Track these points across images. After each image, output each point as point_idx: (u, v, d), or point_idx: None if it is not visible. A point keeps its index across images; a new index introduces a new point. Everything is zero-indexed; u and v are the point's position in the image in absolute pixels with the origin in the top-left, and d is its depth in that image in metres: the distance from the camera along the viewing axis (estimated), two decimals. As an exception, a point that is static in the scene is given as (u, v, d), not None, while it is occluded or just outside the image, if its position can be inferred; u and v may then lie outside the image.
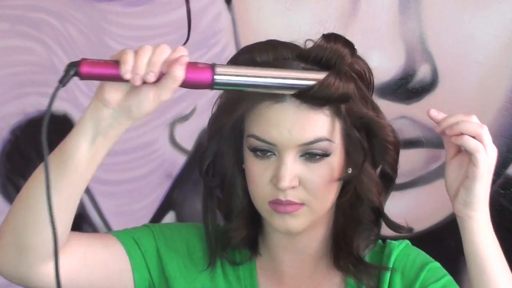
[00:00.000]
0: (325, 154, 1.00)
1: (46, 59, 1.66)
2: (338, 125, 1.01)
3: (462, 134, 0.97)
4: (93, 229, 1.68)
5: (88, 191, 1.68)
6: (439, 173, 1.52)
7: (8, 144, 1.68)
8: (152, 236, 1.11)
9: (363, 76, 1.05)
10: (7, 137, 1.68)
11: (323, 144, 0.99)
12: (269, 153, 1.00)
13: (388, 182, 1.08)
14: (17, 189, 1.69)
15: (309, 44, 1.05)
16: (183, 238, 1.13)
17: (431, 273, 1.07)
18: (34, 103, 1.67)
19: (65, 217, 0.95)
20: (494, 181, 1.49)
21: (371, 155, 1.05)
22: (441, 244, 1.51)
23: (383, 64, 1.50)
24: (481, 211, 1.00)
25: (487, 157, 0.98)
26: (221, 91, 1.06)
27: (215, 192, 1.11)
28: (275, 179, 0.99)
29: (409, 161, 1.52)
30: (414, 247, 1.13)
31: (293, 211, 1.01)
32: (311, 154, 1.00)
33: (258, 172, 1.01)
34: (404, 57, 1.50)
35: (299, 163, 1.00)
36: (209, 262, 1.10)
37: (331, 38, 1.02)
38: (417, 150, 1.51)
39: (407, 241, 1.13)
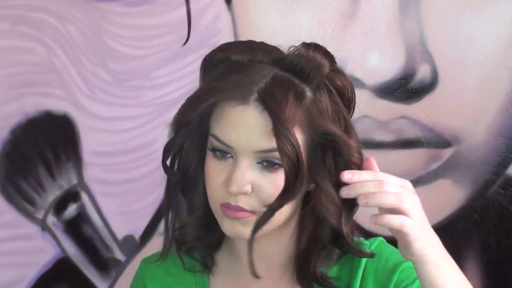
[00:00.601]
0: (279, 164, 0.96)
1: (46, 59, 1.66)
2: (301, 138, 0.97)
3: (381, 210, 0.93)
4: (93, 229, 1.69)
5: (88, 191, 1.68)
6: (439, 173, 1.52)
7: (8, 144, 1.68)
8: None
9: (343, 93, 1.01)
10: (7, 137, 1.68)
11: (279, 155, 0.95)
12: (228, 155, 0.98)
13: (351, 205, 1.02)
14: (17, 189, 1.69)
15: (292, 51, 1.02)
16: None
17: (405, 274, 1.03)
18: (34, 103, 1.67)
19: None
20: (494, 181, 1.51)
21: (335, 174, 0.99)
22: (441, 244, 1.51)
23: (383, 64, 1.50)
24: (429, 252, 0.95)
25: (414, 221, 0.93)
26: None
27: (178, 186, 1.08)
28: (227, 182, 0.97)
29: (409, 161, 1.52)
30: (387, 245, 1.09)
31: (241, 217, 0.98)
32: (268, 162, 0.97)
33: (214, 172, 0.99)
34: (404, 57, 1.50)
35: (254, 170, 0.97)
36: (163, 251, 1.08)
37: (311, 47, 0.99)
38: (417, 150, 1.51)
39: (380, 239, 1.09)
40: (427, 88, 1.50)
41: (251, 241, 0.99)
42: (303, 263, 1.04)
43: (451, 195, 1.52)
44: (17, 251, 1.71)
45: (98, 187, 1.68)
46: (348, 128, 1.01)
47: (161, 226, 1.64)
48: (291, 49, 1.01)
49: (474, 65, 1.48)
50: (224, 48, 1.03)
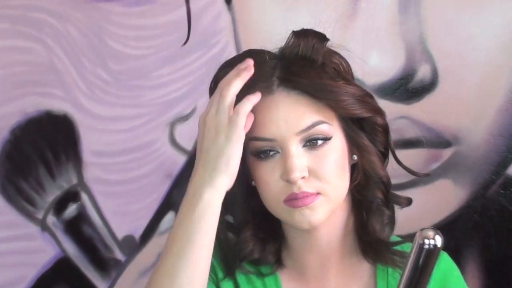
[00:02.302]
0: (326, 138, 0.99)
1: (46, 59, 1.65)
2: (331, 109, 1.01)
3: None
4: (93, 229, 1.69)
5: (88, 191, 1.68)
6: (439, 173, 1.52)
7: (8, 144, 1.68)
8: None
9: (342, 68, 1.06)
10: (7, 137, 1.68)
11: (322, 128, 0.99)
12: (272, 152, 1.00)
13: (386, 152, 1.09)
14: (17, 189, 1.69)
15: None
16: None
17: None
18: (34, 103, 1.67)
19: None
20: (494, 181, 1.51)
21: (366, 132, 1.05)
22: (441, 244, 1.51)
23: (383, 64, 1.50)
24: None
25: None
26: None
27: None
28: (284, 173, 0.98)
29: (409, 161, 1.51)
30: (454, 266, 1.13)
31: (310, 202, 0.99)
32: (313, 140, 0.99)
33: (266, 173, 1.00)
34: (404, 57, 1.50)
35: (303, 153, 0.99)
36: (226, 273, 1.10)
37: (301, 33, 1.04)
38: (417, 150, 1.51)
39: (445, 253, 1.13)
40: (427, 88, 1.50)
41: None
42: (363, 234, 1.07)
43: (451, 195, 1.52)
44: (17, 251, 1.70)
45: (98, 187, 1.67)
46: (361, 88, 1.06)
47: (161, 226, 1.64)
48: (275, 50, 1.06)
49: (474, 65, 1.48)
50: (225, 65, 1.06)
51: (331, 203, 1.01)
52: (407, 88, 1.51)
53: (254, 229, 1.08)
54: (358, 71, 1.50)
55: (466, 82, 1.48)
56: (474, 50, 1.47)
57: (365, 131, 1.05)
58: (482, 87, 1.48)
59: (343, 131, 1.03)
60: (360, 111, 1.02)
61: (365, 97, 1.04)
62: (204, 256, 0.96)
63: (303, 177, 0.99)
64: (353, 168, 1.06)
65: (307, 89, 0.98)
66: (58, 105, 1.66)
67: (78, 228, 1.69)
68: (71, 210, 1.69)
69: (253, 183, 1.06)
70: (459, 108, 1.49)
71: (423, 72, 1.50)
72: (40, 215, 1.69)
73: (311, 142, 0.99)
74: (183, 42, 1.60)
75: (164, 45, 1.61)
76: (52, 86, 1.66)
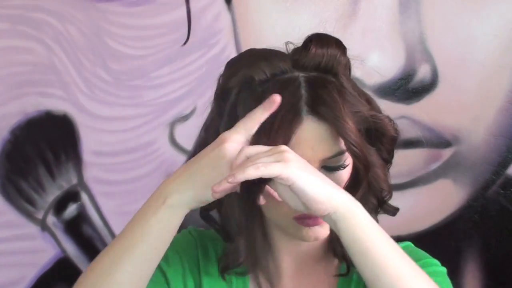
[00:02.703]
0: (344, 166, 0.99)
1: (46, 59, 1.66)
2: None
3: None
4: (93, 229, 1.69)
5: (88, 191, 1.68)
6: (439, 173, 1.52)
7: (8, 144, 1.68)
8: (160, 271, 1.08)
9: (348, 70, 1.04)
10: (7, 137, 1.68)
11: (343, 157, 0.98)
12: None
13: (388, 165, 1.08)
14: (17, 189, 1.69)
15: (290, 47, 1.02)
16: (178, 250, 1.11)
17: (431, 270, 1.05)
18: (34, 103, 1.67)
19: None
20: (494, 181, 1.51)
21: (375, 147, 1.04)
22: (441, 244, 1.51)
23: (383, 64, 1.50)
24: (335, 198, 0.92)
25: (290, 163, 0.91)
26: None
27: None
28: None
29: (409, 161, 1.52)
30: (416, 249, 1.11)
31: (321, 222, 0.99)
32: (332, 165, 0.98)
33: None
34: (404, 57, 1.50)
35: None
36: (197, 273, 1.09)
37: (323, 41, 1.00)
38: (417, 150, 1.51)
39: (409, 243, 1.12)
40: (427, 88, 1.50)
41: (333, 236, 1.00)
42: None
43: (451, 195, 1.52)
44: (17, 251, 1.71)
45: (98, 187, 1.67)
46: (369, 100, 1.03)
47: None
48: (289, 45, 1.02)
49: (474, 65, 1.48)
50: (235, 71, 1.00)
51: None
52: (407, 88, 1.51)
53: (248, 240, 1.06)
54: (358, 71, 1.50)
55: (466, 82, 1.48)
56: (474, 50, 1.47)
57: (374, 141, 1.03)
58: (482, 87, 1.48)
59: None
60: (369, 139, 1.02)
61: (378, 116, 1.02)
62: (154, 259, 0.96)
63: None
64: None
65: (335, 126, 0.95)
66: (58, 105, 1.66)
67: (78, 228, 1.69)
68: (71, 210, 1.69)
69: None
70: (459, 108, 1.49)
71: (423, 72, 1.50)
72: (40, 215, 1.69)
73: (329, 167, 0.98)
74: (183, 42, 1.60)
75: (164, 45, 1.61)
76: (52, 86, 1.66)
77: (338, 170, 0.99)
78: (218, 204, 1.05)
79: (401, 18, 1.50)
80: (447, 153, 1.52)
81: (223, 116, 1.00)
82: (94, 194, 1.68)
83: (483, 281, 1.52)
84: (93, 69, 1.65)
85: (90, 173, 1.67)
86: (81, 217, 1.69)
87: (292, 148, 0.94)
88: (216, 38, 1.59)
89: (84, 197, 1.68)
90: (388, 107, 1.50)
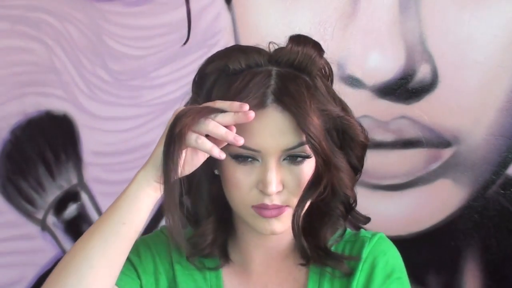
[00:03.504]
0: (307, 156, 1.01)
1: (46, 59, 1.66)
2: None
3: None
4: (93, 229, 1.69)
5: (88, 191, 1.68)
6: (439, 173, 1.52)
7: (8, 144, 1.68)
8: (127, 259, 1.10)
9: (324, 71, 1.06)
10: (7, 137, 1.68)
11: (305, 147, 0.99)
12: (250, 159, 1.00)
13: (355, 174, 1.09)
14: (17, 189, 1.69)
15: (272, 47, 1.05)
16: (150, 248, 1.13)
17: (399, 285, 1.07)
18: (34, 103, 1.67)
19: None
20: (494, 181, 1.51)
21: (344, 151, 1.06)
22: (441, 244, 1.51)
23: (383, 64, 1.50)
24: None
25: None
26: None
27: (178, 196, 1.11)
28: (261, 184, 0.99)
29: (409, 161, 1.52)
30: (388, 243, 1.12)
31: (278, 214, 1.01)
32: (294, 157, 1.00)
33: (241, 177, 1.01)
34: (404, 57, 1.50)
35: (282, 167, 1.00)
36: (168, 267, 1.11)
37: (301, 40, 1.03)
38: (417, 150, 1.51)
39: (381, 234, 1.12)
40: (427, 88, 1.50)
41: (296, 233, 1.02)
42: (310, 239, 1.08)
43: (451, 195, 1.52)
44: (17, 251, 1.71)
45: (98, 187, 1.68)
46: (344, 106, 1.06)
47: (161, 226, 1.64)
48: (270, 45, 1.05)
49: (474, 65, 1.48)
50: (214, 59, 1.04)
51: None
52: (407, 88, 1.51)
53: (215, 222, 1.09)
54: (358, 71, 1.50)
55: (466, 82, 1.48)
56: (474, 50, 1.47)
57: (343, 146, 1.05)
58: (482, 87, 1.48)
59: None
60: (335, 141, 1.04)
61: (346, 118, 1.05)
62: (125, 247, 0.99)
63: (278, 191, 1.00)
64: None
65: (297, 117, 0.98)
66: (58, 105, 1.66)
67: (78, 228, 1.69)
68: (71, 210, 1.69)
69: (216, 171, 1.07)
70: (459, 108, 1.49)
71: (423, 72, 1.50)
72: (40, 215, 1.69)
73: (291, 158, 1.01)
74: (183, 42, 1.60)
75: (164, 45, 1.61)
76: (52, 86, 1.66)
77: (299, 160, 1.00)
78: (188, 189, 1.08)
79: (401, 18, 1.50)
80: (447, 153, 1.52)
81: (198, 101, 1.04)
82: (94, 194, 1.68)
83: (483, 281, 1.52)
84: (93, 69, 1.65)
85: (90, 173, 1.67)
86: (81, 217, 1.69)
87: (254, 135, 0.98)
88: (216, 38, 1.59)
89: (84, 197, 1.68)
90: (388, 107, 1.51)
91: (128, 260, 1.09)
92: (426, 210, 1.52)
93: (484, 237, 1.51)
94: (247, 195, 1.01)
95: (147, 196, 0.99)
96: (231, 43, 1.58)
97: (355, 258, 1.08)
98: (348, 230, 1.12)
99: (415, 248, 1.48)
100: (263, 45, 1.05)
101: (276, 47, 1.05)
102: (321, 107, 1.01)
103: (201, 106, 0.98)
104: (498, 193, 1.49)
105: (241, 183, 1.01)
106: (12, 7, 1.66)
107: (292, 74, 1.01)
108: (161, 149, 0.98)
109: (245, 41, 1.56)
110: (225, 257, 1.12)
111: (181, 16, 1.60)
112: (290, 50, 1.01)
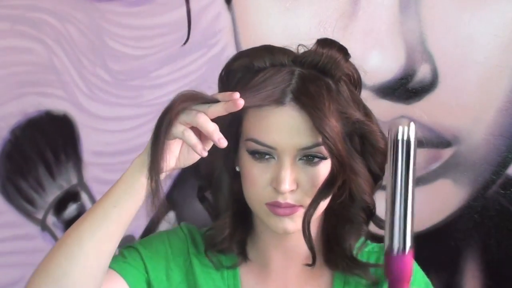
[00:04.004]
0: (323, 157, 1.01)
1: (46, 59, 1.66)
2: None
3: None
4: (93, 229, 1.68)
5: (88, 191, 1.68)
6: (439, 173, 1.52)
7: (8, 144, 1.68)
8: (136, 251, 1.11)
9: (355, 81, 1.07)
10: (7, 137, 1.68)
11: (322, 148, 1.00)
12: (267, 156, 1.01)
13: (375, 181, 1.10)
14: (17, 189, 1.69)
15: (301, 49, 1.07)
16: (165, 244, 1.14)
17: None
18: (34, 103, 1.67)
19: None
20: (494, 181, 1.51)
21: (364, 157, 1.07)
22: (441, 244, 1.51)
23: (383, 64, 1.50)
24: None
25: None
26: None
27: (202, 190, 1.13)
28: (275, 182, 1.00)
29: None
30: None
31: (291, 213, 1.02)
32: (310, 157, 1.01)
33: (257, 174, 1.02)
34: (404, 57, 1.50)
35: (298, 166, 1.01)
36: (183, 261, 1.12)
37: (326, 43, 1.04)
38: (417, 150, 1.51)
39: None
40: (427, 88, 1.50)
41: (305, 233, 1.03)
42: (335, 247, 1.09)
43: (451, 195, 1.52)
44: (17, 251, 1.71)
45: (98, 187, 1.68)
46: (368, 113, 1.07)
47: (161, 226, 1.64)
48: (299, 47, 1.06)
49: (474, 65, 1.48)
50: (245, 54, 1.06)
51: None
52: (407, 88, 1.51)
53: (233, 216, 1.10)
54: (358, 71, 1.50)
55: (466, 82, 1.48)
56: (474, 50, 1.47)
57: (363, 152, 1.06)
58: (482, 87, 1.48)
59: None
60: (353, 149, 1.05)
61: (366, 123, 1.05)
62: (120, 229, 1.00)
63: (291, 190, 1.01)
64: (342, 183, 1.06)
65: (313, 117, 0.98)
66: (58, 105, 1.66)
67: (78, 228, 1.69)
68: (71, 210, 1.69)
69: (237, 168, 1.08)
70: (459, 108, 1.49)
71: (423, 72, 1.50)
72: (40, 215, 1.69)
73: (308, 158, 1.01)
74: (183, 42, 1.60)
75: (164, 45, 1.61)
76: (52, 86, 1.66)
77: (316, 161, 1.01)
78: (209, 184, 1.10)
79: (401, 18, 1.50)
80: (447, 153, 1.52)
81: None
82: (94, 194, 1.68)
83: (483, 281, 1.52)
84: (93, 69, 1.65)
85: (90, 173, 1.67)
86: (81, 217, 1.69)
87: (271, 132, 0.99)
88: (216, 38, 1.59)
89: (84, 197, 1.68)
90: (388, 107, 1.51)
91: (137, 252, 1.10)
92: (426, 210, 1.52)
93: (484, 237, 1.51)
94: (261, 192, 1.02)
95: (139, 184, 1.00)
96: (231, 43, 1.58)
97: (382, 266, 1.07)
98: (370, 242, 1.13)
99: (415, 248, 1.47)
100: (293, 47, 1.06)
101: (305, 49, 1.06)
102: (341, 110, 1.02)
103: (197, 93, 0.97)
104: (498, 193, 1.49)
105: (256, 179, 1.02)
106: (12, 7, 1.66)
107: (314, 76, 1.02)
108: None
109: (245, 41, 1.56)
110: (243, 255, 1.12)
111: (181, 16, 1.60)
112: (315, 52, 1.03)
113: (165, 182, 1.02)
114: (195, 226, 1.17)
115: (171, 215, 1.66)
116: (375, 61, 1.51)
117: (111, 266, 1.05)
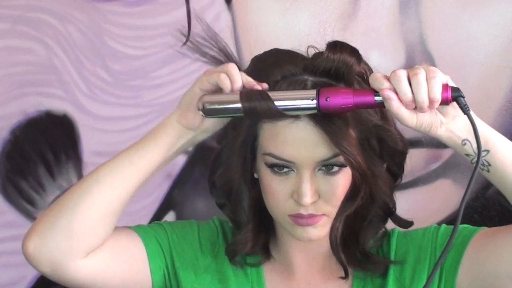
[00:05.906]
0: (342, 165, 1.00)
1: (46, 59, 1.66)
2: (355, 135, 1.01)
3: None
4: (93, 229, 1.68)
5: (88, 191, 1.68)
6: (439, 173, 1.52)
7: (8, 144, 1.68)
8: (164, 230, 1.12)
9: (365, 76, 1.04)
10: (7, 137, 1.68)
11: (341, 158, 0.99)
12: (286, 169, 1.01)
13: (394, 181, 1.10)
14: (17, 189, 1.69)
15: (311, 51, 1.04)
16: (194, 231, 1.14)
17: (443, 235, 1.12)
18: (34, 103, 1.67)
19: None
20: (494, 181, 1.50)
21: (383, 159, 1.06)
22: (441, 244, 1.51)
23: (383, 64, 1.50)
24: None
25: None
26: None
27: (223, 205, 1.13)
28: (296, 195, 1.00)
29: (409, 161, 1.51)
30: (405, 232, 1.14)
31: (314, 223, 1.02)
32: (329, 166, 1.00)
33: (277, 187, 1.02)
34: (404, 57, 1.50)
35: (317, 177, 1.00)
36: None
37: (337, 47, 1.00)
38: (417, 150, 1.51)
39: (396, 230, 1.14)
40: (427, 88, 1.50)
41: (335, 249, 1.06)
42: (350, 244, 1.09)
43: (451, 195, 1.52)
44: (17, 251, 1.69)
45: (98, 187, 1.67)
46: (385, 114, 1.04)
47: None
48: (309, 49, 1.04)
49: (474, 65, 1.48)
50: (253, 71, 1.03)
51: (332, 221, 1.05)
52: (407, 88, 1.51)
53: (254, 230, 1.10)
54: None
55: (466, 82, 1.48)
56: (474, 50, 1.47)
57: (382, 153, 1.05)
58: (482, 87, 1.48)
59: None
60: (372, 157, 1.04)
61: (383, 127, 1.04)
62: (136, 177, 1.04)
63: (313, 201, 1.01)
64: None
65: (329, 133, 0.97)
66: (58, 105, 1.66)
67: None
68: (71, 210, 1.69)
69: (255, 175, 1.07)
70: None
71: (423, 72, 1.50)
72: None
73: (327, 167, 1.01)
74: (183, 42, 1.60)
75: (164, 45, 1.61)
76: (52, 86, 1.66)
77: (335, 170, 1.00)
78: (228, 200, 1.09)
79: (401, 18, 1.50)
80: (447, 153, 1.52)
81: None
82: (94, 194, 1.68)
83: (483, 281, 1.52)
84: (93, 69, 1.65)
85: (90, 173, 1.67)
86: (81, 217, 1.69)
87: (288, 146, 0.98)
88: (216, 38, 1.59)
89: (84, 197, 1.68)
90: (388, 107, 1.51)
91: (165, 232, 1.12)
92: (426, 210, 1.52)
93: (484, 237, 1.51)
94: (283, 204, 1.02)
95: (165, 134, 1.04)
96: (231, 43, 1.58)
97: (395, 262, 1.09)
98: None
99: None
100: (301, 49, 1.03)
101: (315, 51, 1.03)
102: (357, 116, 1.00)
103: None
104: (498, 193, 1.48)
105: (277, 192, 1.02)
106: (12, 7, 1.66)
107: (327, 85, 0.99)
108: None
109: (245, 41, 1.56)
110: (267, 254, 1.13)
111: (181, 16, 1.60)
112: (326, 59, 0.99)
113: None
114: (227, 220, 1.17)
115: (171, 215, 1.66)
116: (375, 61, 1.50)
117: (137, 232, 1.08)
